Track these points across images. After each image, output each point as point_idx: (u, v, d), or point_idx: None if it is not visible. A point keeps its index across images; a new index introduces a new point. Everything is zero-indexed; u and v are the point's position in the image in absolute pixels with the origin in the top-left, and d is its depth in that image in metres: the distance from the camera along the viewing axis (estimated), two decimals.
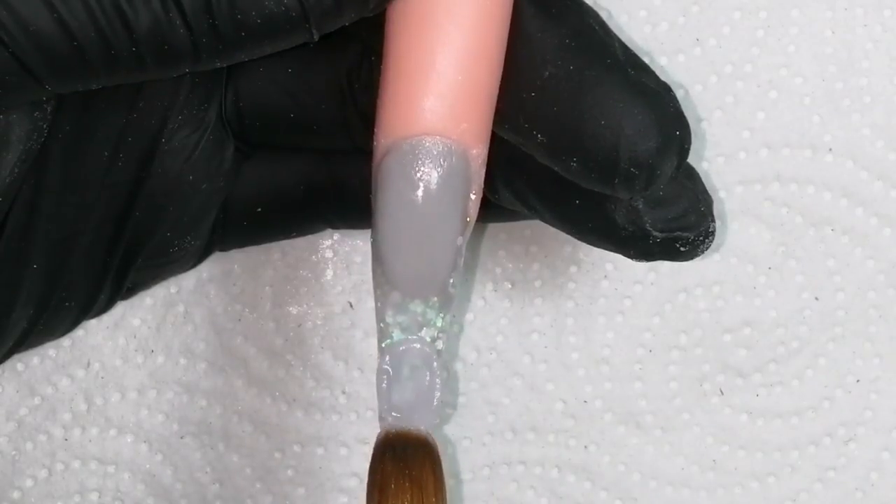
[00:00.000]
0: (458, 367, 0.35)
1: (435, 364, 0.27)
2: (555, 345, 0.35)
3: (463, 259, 0.27)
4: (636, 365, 0.35)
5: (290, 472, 0.35)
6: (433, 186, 0.26)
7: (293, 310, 0.35)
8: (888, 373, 0.35)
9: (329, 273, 0.35)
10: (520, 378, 0.35)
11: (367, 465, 0.35)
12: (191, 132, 0.28)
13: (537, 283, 0.35)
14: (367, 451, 0.35)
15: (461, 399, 0.35)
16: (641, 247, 0.28)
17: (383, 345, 0.27)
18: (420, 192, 0.26)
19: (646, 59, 0.34)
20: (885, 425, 0.35)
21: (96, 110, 0.27)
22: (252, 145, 0.31)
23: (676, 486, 0.35)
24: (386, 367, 0.27)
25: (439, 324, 0.27)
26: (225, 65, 0.24)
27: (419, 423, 0.27)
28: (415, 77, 0.25)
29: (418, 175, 0.26)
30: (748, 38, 0.34)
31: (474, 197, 0.26)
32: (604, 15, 0.31)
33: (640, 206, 0.28)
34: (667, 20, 0.34)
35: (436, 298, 0.26)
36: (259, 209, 0.31)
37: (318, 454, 0.35)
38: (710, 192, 0.35)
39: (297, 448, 0.35)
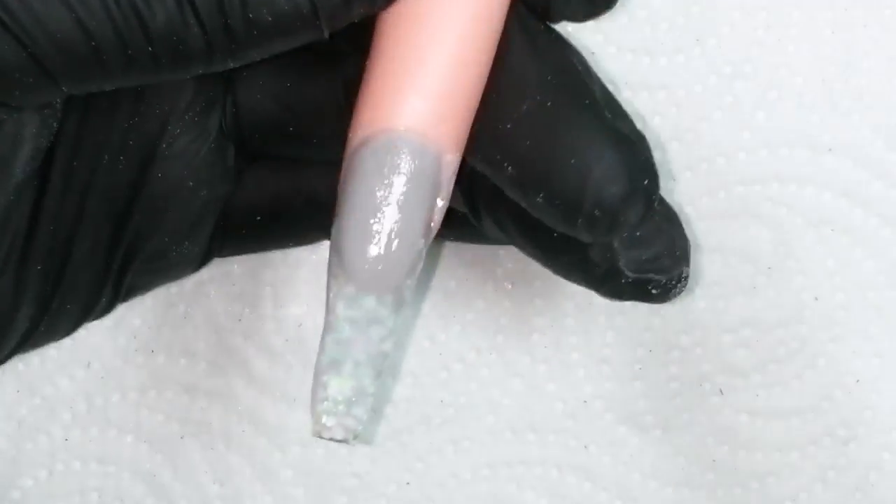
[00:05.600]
0: (458, 367, 0.35)
1: (378, 363, 0.27)
2: (555, 345, 0.35)
3: (422, 265, 0.27)
4: (636, 365, 0.35)
5: (290, 472, 0.35)
6: (403, 183, 0.25)
7: (293, 310, 0.35)
8: (888, 373, 0.35)
9: None
10: (520, 378, 0.35)
11: (367, 466, 0.35)
12: (192, 139, 0.28)
13: (537, 283, 0.35)
14: (367, 452, 0.35)
15: (461, 399, 0.35)
16: (613, 285, 0.28)
17: (328, 338, 0.27)
18: (390, 187, 0.25)
19: (645, 60, 0.35)
20: (885, 425, 0.35)
21: (99, 113, 0.27)
22: (252, 155, 0.31)
23: (677, 486, 0.35)
24: (329, 359, 0.27)
25: (390, 324, 0.26)
26: (237, 65, 0.24)
27: (353, 421, 0.27)
28: (401, 73, 0.25)
29: (390, 170, 0.25)
30: (748, 38, 0.34)
31: (441, 204, 0.26)
32: (604, 17, 0.31)
33: (616, 245, 0.28)
34: (667, 20, 0.34)
35: (390, 297, 0.26)
36: (258, 218, 0.32)
37: (318, 454, 0.35)
38: (710, 191, 0.35)
39: (297, 448, 0.35)
